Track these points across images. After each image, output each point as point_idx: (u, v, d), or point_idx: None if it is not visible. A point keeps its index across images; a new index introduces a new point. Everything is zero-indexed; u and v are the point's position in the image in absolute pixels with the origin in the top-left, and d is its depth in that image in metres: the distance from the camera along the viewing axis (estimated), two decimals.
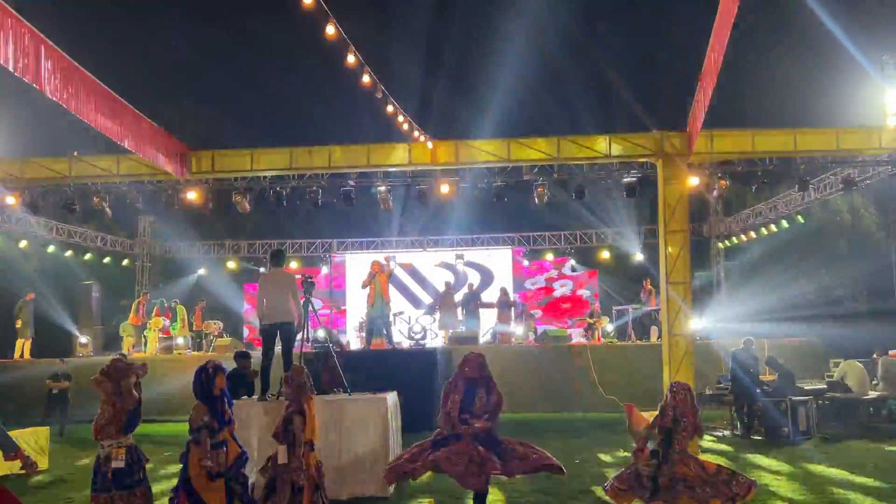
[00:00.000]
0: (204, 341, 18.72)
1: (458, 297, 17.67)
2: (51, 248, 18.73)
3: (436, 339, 17.07)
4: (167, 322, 18.52)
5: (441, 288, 18.09)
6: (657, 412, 5.94)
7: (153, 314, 18.38)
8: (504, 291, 18.23)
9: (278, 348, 8.69)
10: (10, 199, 14.69)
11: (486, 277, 21.97)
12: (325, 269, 22.68)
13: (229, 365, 10.29)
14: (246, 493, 5.63)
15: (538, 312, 22.10)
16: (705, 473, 5.60)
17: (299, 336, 8.56)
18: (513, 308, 17.94)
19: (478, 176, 15.03)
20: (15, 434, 10.16)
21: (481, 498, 5.99)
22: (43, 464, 9.72)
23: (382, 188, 15.47)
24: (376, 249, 22.49)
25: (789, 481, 8.31)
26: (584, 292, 22.50)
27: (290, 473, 5.65)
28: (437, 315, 17.14)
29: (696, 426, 5.79)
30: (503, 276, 22.04)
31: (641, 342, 16.57)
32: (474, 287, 18.87)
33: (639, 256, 21.30)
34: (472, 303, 17.39)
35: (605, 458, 9.98)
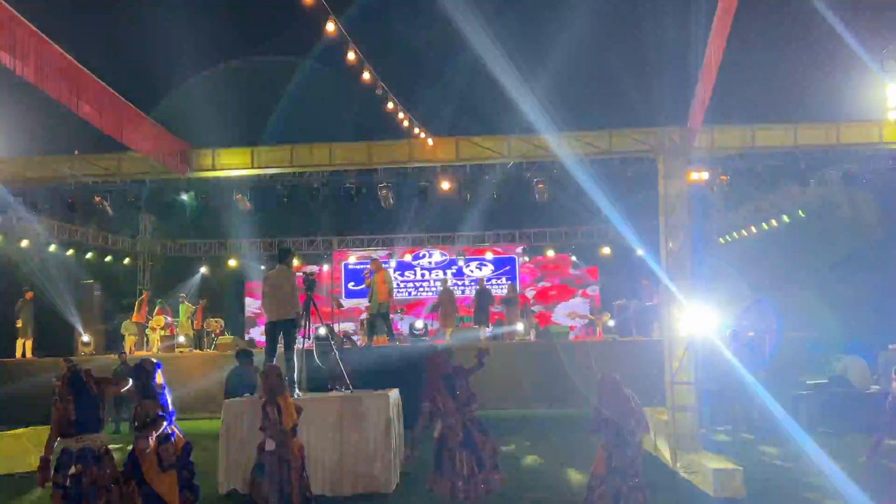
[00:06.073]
0: (205, 340, 18.72)
1: (462, 294, 17.66)
2: (52, 248, 18.71)
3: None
4: (169, 319, 18.53)
5: (441, 286, 18.07)
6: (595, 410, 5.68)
7: (154, 313, 18.40)
8: (512, 287, 18.22)
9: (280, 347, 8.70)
10: (17, 198, 14.72)
11: (488, 274, 21.96)
12: (326, 267, 22.69)
13: (231, 362, 10.35)
14: (192, 480, 5.86)
15: (539, 309, 22.10)
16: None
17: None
18: (518, 304, 17.93)
19: (478, 172, 15.01)
20: (18, 433, 10.24)
21: None
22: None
23: (383, 185, 15.48)
24: (377, 247, 22.51)
25: (790, 476, 8.32)
26: (585, 289, 22.52)
27: (278, 456, 6.05)
28: (439, 313, 17.12)
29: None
30: (504, 273, 22.03)
31: (643, 338, 16.58)
32: (484, 284, 18.83)
33: (640, 252, 21.29)
34: (485, 300, 17.36)
35: None
